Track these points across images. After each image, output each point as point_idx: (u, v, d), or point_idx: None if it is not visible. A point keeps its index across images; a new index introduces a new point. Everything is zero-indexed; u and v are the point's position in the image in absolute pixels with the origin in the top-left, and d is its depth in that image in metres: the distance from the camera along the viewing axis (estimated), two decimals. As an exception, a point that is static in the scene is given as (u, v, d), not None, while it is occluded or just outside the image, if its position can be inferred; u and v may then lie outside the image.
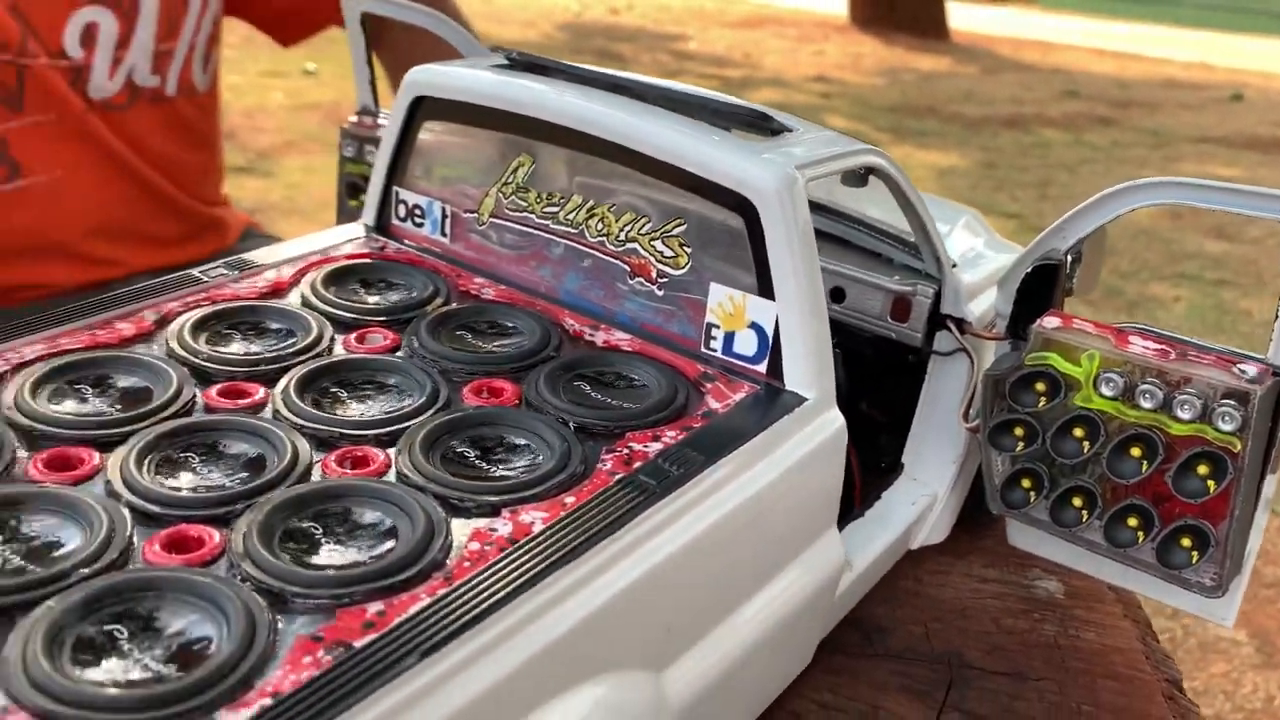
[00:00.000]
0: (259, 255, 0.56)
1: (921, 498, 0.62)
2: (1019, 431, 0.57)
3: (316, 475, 0.40)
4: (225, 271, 0.54)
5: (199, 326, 0.48)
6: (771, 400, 0.47)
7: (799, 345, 0.47)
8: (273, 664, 0.31)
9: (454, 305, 0.53)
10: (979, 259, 0.65)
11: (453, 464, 0.41)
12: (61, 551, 0.35)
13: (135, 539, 0.36)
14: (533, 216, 0.54)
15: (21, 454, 0.39)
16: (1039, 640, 0.60)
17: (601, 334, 0.51)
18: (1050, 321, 0.56)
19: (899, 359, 0.63)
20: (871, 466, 0.64)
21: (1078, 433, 0.55)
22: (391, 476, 0.40)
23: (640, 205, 0.51)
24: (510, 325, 0.52)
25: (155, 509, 0.37)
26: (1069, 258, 0.58)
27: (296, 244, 0.58)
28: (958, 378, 0.61)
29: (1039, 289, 0.58)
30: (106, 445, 0.40)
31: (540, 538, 0.37)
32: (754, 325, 0.48)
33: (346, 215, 0.77)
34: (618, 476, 0.41)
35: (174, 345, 0.47)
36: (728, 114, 0.52)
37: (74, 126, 0.93)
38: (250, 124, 3.67)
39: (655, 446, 0.43)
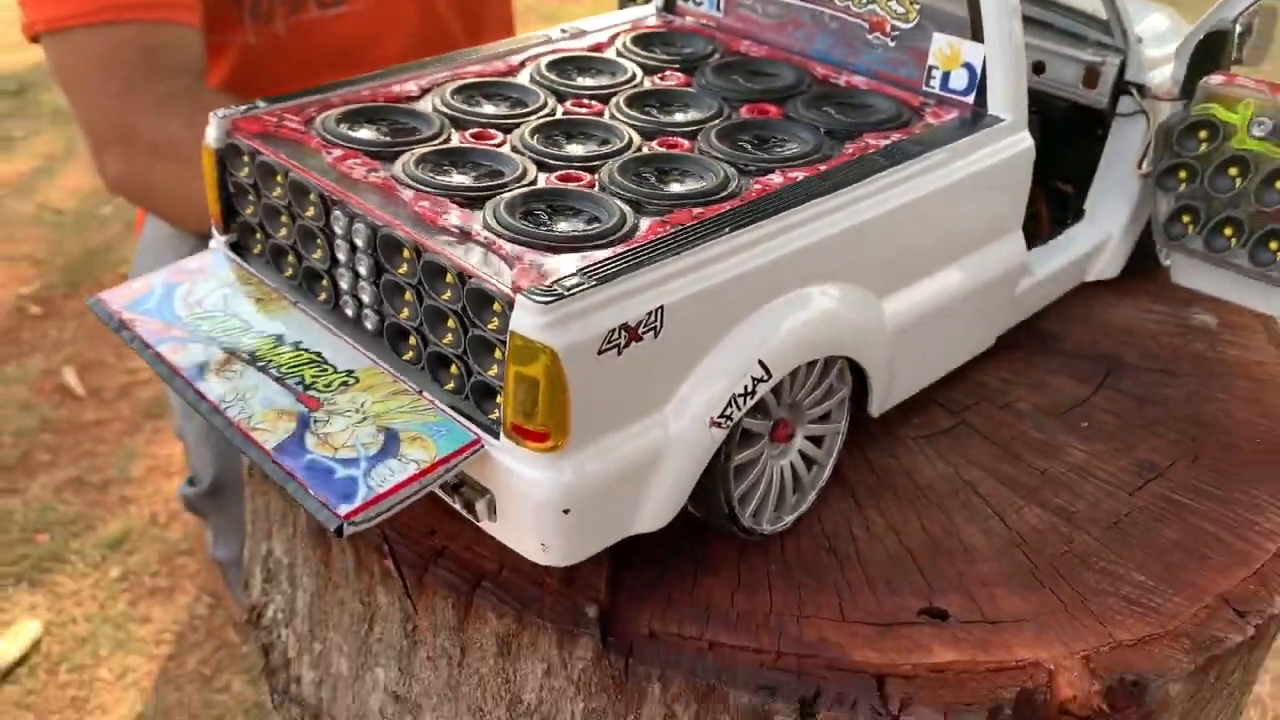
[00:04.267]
0: (583, 24, 0.74)
1: (1097, 234, 0.75)
2: (1182, 174, 0.69)
3: (646, 150, 0.58)
4: (562, 34, 0.72)
5: (551, 66, 0.67)
6: (977, 120, 0.62)
7: (1000, 78, 0.62)
8: (638, 231, 0.50)
9: (729, 59, 0.70)
10: (1164, 40, 0.76)
11: (738, 149, 0.58)
12: (502, 175, 0.54)
13: (538, 176, 0.55)
14: (792, -11, 0.70)
15: (453, 132, 0.59)
16: (1190, 352, 0.74)
17: (844, 77, 0.67)
18: (1215, 78, 0.68)
19: (1088, 127, 0.76)
20: (1060, 220, 0.78)
21: (1231, 171, 0.67)
22: (697, 154, 0.58)
23: (879, -26, 0.66)
24: (771, 72, 0.68)
25: (549, 160, 0.56)
26: (1237, 27, 0.69)
27: (604, 19, 0.76)
28: (1135, 137, 0.74)
29: (1210, 56, 0.70)
30: (506, 129, 0.60)
31: (802, 184, 0.54)
32: (966, 64, 0.63)
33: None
34: (854, 156, 0.57)
35: (537, 76, 0.66)
36: None
37: None
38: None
39: (884, 142, 0.59)
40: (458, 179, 0.53)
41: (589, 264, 0.46)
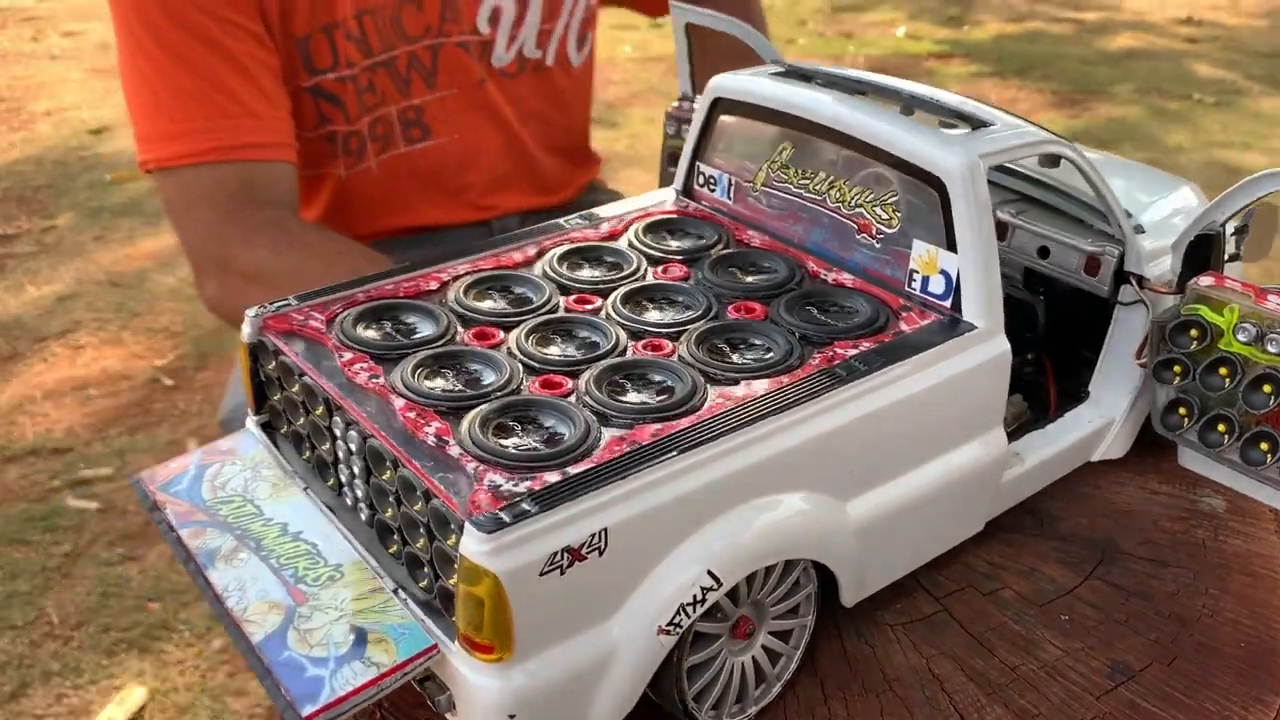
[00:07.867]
0: (603, 210, 0.80)
1: (1099, 419, 0.77)
2: (1177, 369, 0.71)
3: (629, 354, 0.63)
4: (580, 221, 0.78)
5: (562, 258, 0.73)
6: (950, 327, 0.65)
7: (973, 288, 0.65)
8: (597, 449, 0.54)
9: (730, 250, 0.74)
10: (1173, 227, 0.78)
11: (713, 353, 0.63)
12: (486, 382, 0.60)
13: (524, 380, 0.60)
14: (791, 187, 0.74)
15: (459, 330, 0.65)
16: (1189, 540, 0.74)
17: (833, 274, 0.71)
18: (1204, 280, 0.69)
19: (1095, 310, 0.78)
20: (1070, 393, 0.79)
21: (1222, 371, 0.68)
22: (675, 358, 0.62)
23: (866, 180, 0.69)
24: (767, 265, 0.72)
25: (536, 365, 0.61)
26: (1225, 229, 0.70)
27: (628, 203, 0.82)
28: (1137, 324, 0.75)
29: (1202, 255, 0.71)
30: (508, 327, 0.65)
31: (761, 399, 0.58)
32: (943, 271, 0.66)
33: (666, 180, 1.00)
34: (819, 368, 0.61)
35: (546, 269, 0.72)
36: (939, 110, 0.69)
37: (472, 97, 1.23)
38: (600, 77, 4.04)
39: (852, 351, 0.62)
40: (444, 387, 0.59)
41: (538, 489, 0.51)
